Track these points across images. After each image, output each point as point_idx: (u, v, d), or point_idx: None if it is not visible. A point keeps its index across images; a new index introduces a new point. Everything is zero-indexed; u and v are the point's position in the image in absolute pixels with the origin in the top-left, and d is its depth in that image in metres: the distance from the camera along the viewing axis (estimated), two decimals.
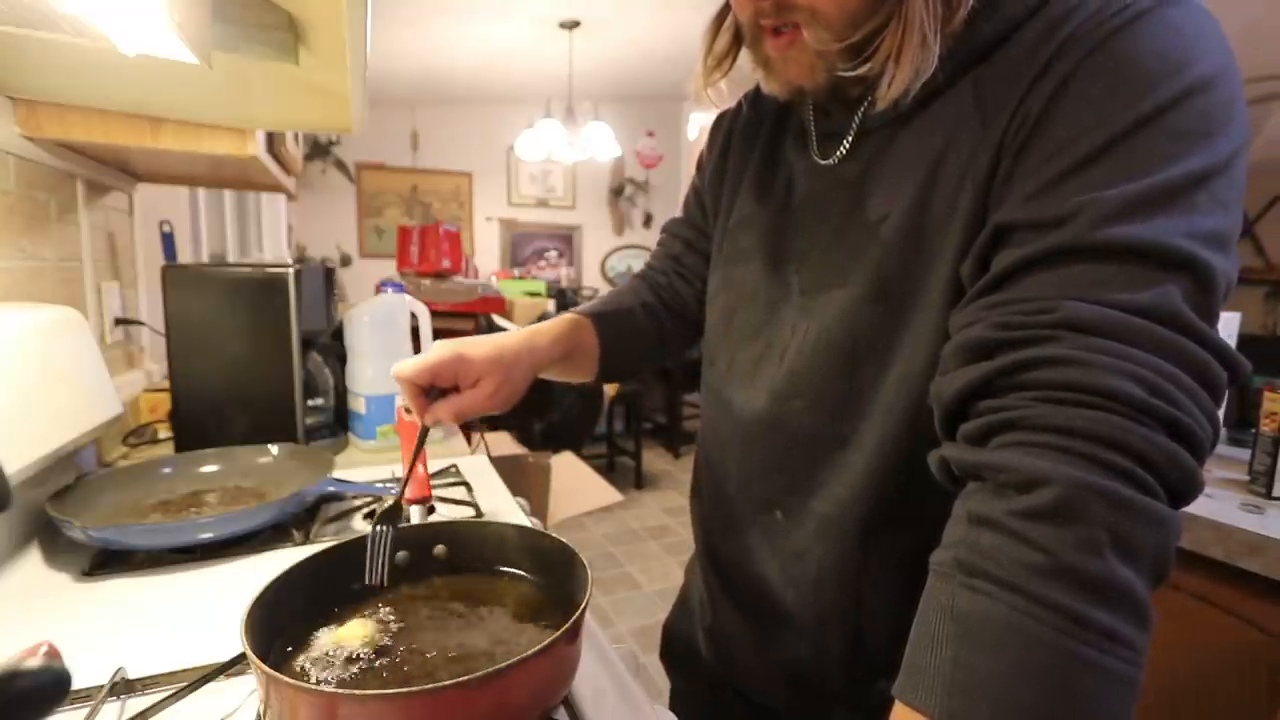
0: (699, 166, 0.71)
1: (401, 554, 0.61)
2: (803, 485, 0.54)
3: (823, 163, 0.54)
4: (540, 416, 3.87)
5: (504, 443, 3.06)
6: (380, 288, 1.26)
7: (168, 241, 1.58)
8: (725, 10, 0.54)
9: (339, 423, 1.25)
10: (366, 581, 0.53)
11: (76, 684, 0.33)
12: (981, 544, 0.33)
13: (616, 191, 5.11)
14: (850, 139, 0.52)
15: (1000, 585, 0.31)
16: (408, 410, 0.83)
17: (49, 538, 0.78)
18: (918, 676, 0.33)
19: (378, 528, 0.54)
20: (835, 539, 0.52)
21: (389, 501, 0.56)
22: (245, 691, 0.51)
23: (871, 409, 0.49)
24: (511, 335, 0.62)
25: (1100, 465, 0.32)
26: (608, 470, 3.94)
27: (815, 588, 0.54)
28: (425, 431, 0.60)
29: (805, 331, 0.53)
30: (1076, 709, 0.29)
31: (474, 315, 2.94)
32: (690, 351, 0.78)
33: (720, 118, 0.68)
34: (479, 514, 0.89)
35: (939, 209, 0.44)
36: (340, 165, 4.50)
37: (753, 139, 0.62)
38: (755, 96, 0.64)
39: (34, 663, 0.31)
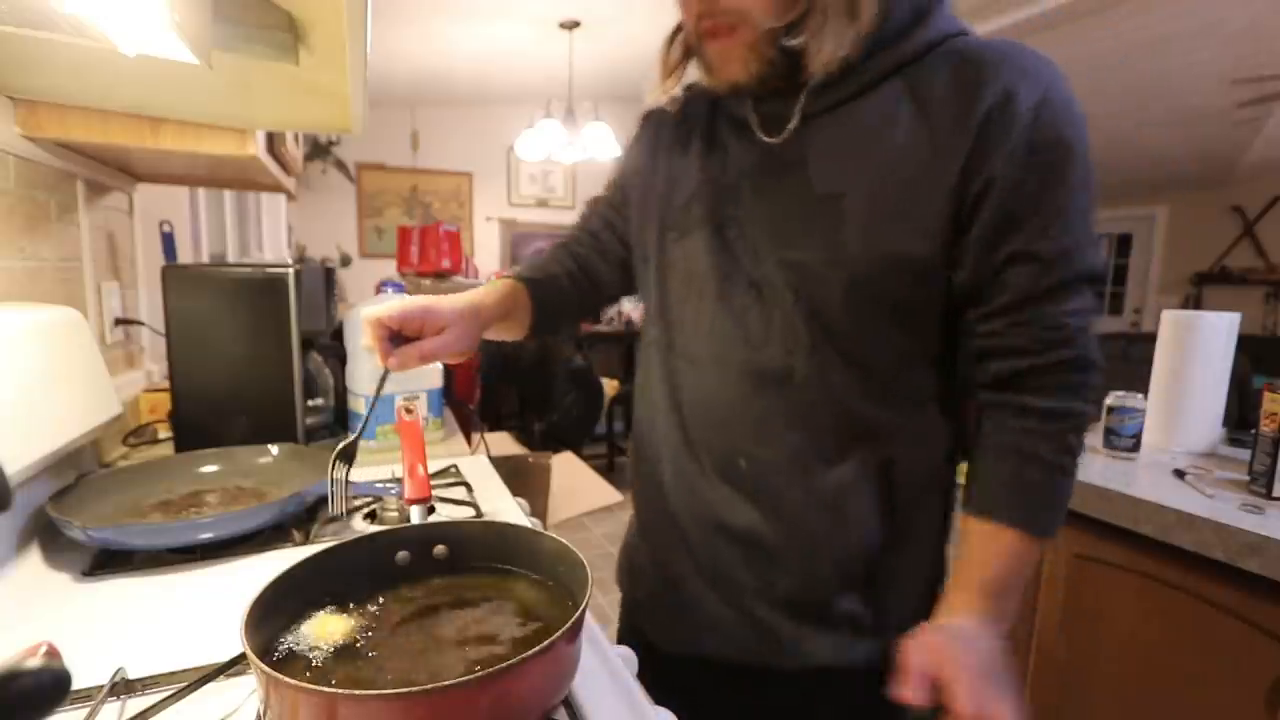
0: (624, 155, 0.80)
1: (402, 554, 0.61)
2: (770, 428, 0.61)
3: (764, 143, 0.62)
4: (540, 416, 3.87)
5: (504, 443, 3.06)
6: (380, 288, 1.26)
7: (168, 241, 1.58)
8: (677, 29, 0.65)
9: (339, 423, 1.25)
10: (330, 512, 0.60)
11: (76, 684, 0.33)
12: (1068, 440, 0.57)
13: None
14: (792, 124, 0.60)
15: (1070, 462, 0.58)
16: (408, 410, 0.83)
17: (49, 538, 0.78)
18: (1005, 508, 0.57)
19: (335, 462, 0.62)
20: (804, 469, 0.61)
21: (349, 438, 0.63)
22: (245, 691, 0.51)
23: (828, 353, 0.59)
24: (464, 294, 0.69)
25: (1094, 404, 0.61)
26: (608, 470, 3.93)
27: (799, 518, 0.62)
28: (386, 375, 0.63)
29: (765, 290, 0.60)
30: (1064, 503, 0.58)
31: None
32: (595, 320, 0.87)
33: (649, 114, 0.76)
34: (479, 514, 0.89)
35: (899, 198, 0.55)
36: (340, 165, 4.50)
37: (691, 128, 0.69)
38: (687, 97, 0.71)
39: (34, 663, 0.31)
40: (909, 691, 0.52)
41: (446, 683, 0.38)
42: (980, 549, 0.57)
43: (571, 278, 0.79)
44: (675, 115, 0.71)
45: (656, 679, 0.65)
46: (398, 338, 0.62)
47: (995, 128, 0.52)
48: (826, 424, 0.60)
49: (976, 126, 0.52)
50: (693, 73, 0.66)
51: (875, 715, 0.60)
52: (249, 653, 0.40)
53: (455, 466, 1.06)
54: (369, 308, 0.62)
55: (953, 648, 0.53)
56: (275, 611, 0.49)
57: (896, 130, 0.55)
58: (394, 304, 0.61)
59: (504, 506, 0.94)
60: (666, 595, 0.72)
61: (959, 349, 0.60)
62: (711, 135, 0.67)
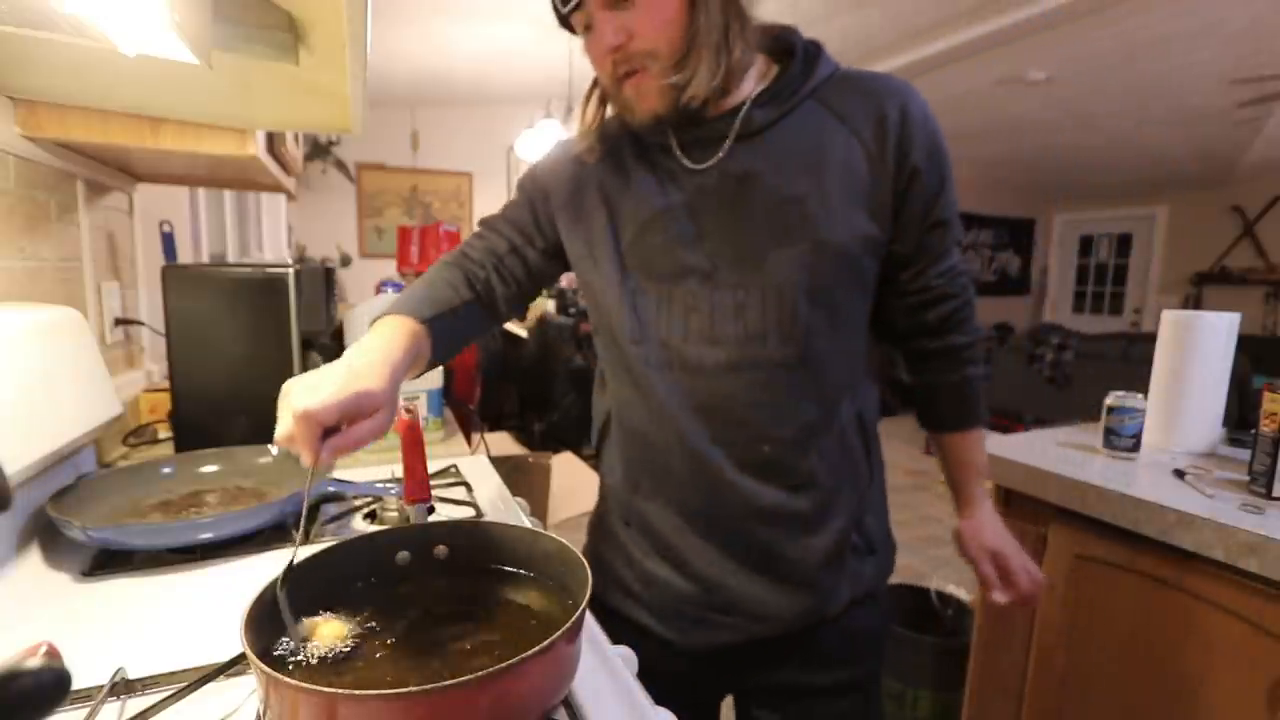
0: (532, 184, 0.81)
1: (402, 554, 0.61)
2: (786, 410, 0.69)
3: (701, 166, 0.69)
4: (540, 416, 3.87)
5: (504, 443, 3.06)
6: (380, 288, 1.26)
7: (168, 241, 1.58)
8: (592, 87, 0.73)
9: None
10: (290, 642, 0.48)
11: (76, 684, 0.33)
12: (976, 366, 0.78)
13: None
14: (727, 145, 0.68)
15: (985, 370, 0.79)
16: (408, 410, 0.83)
17: (49, 538, 0.78)
18: (964, 418, 0.79)
19: (279, 592, 0.49)
20: (817, 439, 0.70)
21: (283, 569, 0.50)
22: (245, 691, 0.51)
23: (823, 328, 0.68)
24: (376, 357, 0.59)
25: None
26: None
27: (817, 482, 0.70)
28: (314, 472, 0.53)
29: (751, 289, 0.67)
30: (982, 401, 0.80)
31: None
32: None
33: (564, 144, 0.81)
34: (479, 514, 0.89)
35: (856, 192, 0.67)
36: (340, 165, 4.51)
37: (618, 159, 0.74)
38: (602, 131, 0.75)
39: (34, 663, 0.31)
40: (997, 595, 0.79)
41: (446, 683, 0.38)
42: (961, 450, 0.80)
43: (468, 306, 0.75)
44: (600, 146, 0.74)
45: (675, 681, 0.67)
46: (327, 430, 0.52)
47: (905, 131, 0.67)
48: (828, 393, 0.70)
49: (895, 130, 0.67)
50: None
51: (877, 633, 0.81)
52: (249, 653, 0.40)
53: (455, 466, 1.06)
54: (301, 402, 0.50)
55: (994, 539, 0.79)
56: (275, 611, 0.49)
57: (834, 141, 0.67)
58: (327, 396, 0.51)
59: (504, 506, 0.94)
60: (700, 596, 0.74)
61: (886, 309, 0.76)
62: (648, 166, 0.72)
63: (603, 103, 0.73)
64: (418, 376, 0.71)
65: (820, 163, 0.67)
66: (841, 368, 0.71)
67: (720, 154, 0.69)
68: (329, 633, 0.51)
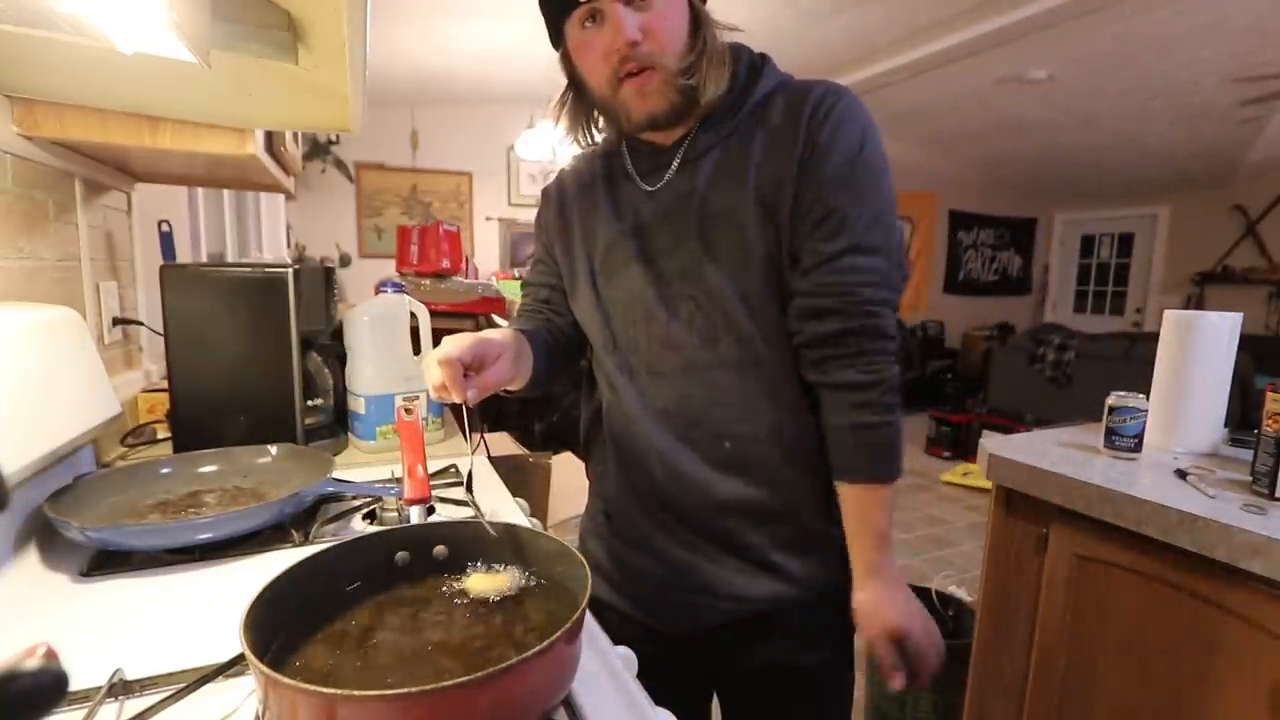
0: (538, 228, 0.90)
1: (401, 554, 0.60)
2: (745, 408, 0.73)
3: (654, 188, 0.75)
4: (540, 416, 3.86)
5: (504, 443, 3.05)
6: (380, 288, 1.26)
7: (166, 241, 1.57)
8: (563, 97, 0.80)
9: (339, 423, 1.24)
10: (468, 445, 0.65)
11: (74, 685, 0.33)
12: (870, 413, 0.70)
13: None
14: (675, 166, 0.74)
15: (891, 419, 0.71)
16: (407, 411, 0.83)
17: (47, 538, 0.78)
18: (852, 468, 0.71)
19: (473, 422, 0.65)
20: (779, 433, 0.73)
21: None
22: (244, 692, 0.51)
23: (770, 332, 0.72)
24: (490, 330, 0.73)
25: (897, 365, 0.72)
26: None
27: (780, 473, 0.74)
28: (466, 409, 0.64)
29: (702, 297, 0.72)
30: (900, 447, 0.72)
31: (474, 315, 2.93)
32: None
33: (546, 190, 0.89)
34: (479, 514, 0.89)
35: (769, 202, 0.69)
36: (340, 165, 4.50)
37: (590, 189, 0.82)
38: (574, 167, 0.86)
39: (32, 664, 0.31)
40: (899, 680, 0.72)
41: (446, 683, 0.37)
42: (860, 507, 0.72)
43: (547, 332, 0.84)
44: (574, 181, 0.83)
45: (661, 667, 0.69)
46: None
47: (816, 114, 0.68)
48: (783, 393, 0.73)
49: (807, 115, 0.68)
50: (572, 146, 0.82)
51: (846, 619, 0.79)
52: (248, 653, 0.40)
53: (455, 466, 1.06)
54: (439, 352, 0.61)
55: (900, 618, 0.71)
56: (275, 611, 0.49)
57: (755, 153, 0.70)
58: (457, 345, 0.63)
59: (504, 506, 0.94)
60: (674, 579, 0.79)
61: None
62: (613, 192, 0.79)
63: (577, 112, 0.79)
64: (528, 384, 0.79)
65: (744, 171, 0.70)
66: (793, 371, 0.73)
67: (668, 176, 0.75)
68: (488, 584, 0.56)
